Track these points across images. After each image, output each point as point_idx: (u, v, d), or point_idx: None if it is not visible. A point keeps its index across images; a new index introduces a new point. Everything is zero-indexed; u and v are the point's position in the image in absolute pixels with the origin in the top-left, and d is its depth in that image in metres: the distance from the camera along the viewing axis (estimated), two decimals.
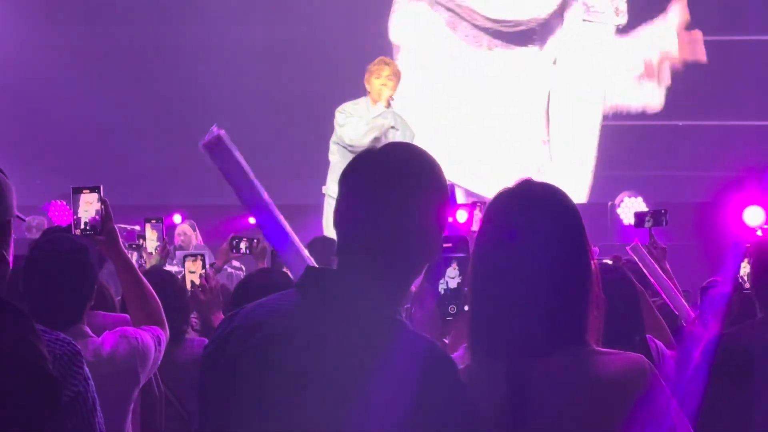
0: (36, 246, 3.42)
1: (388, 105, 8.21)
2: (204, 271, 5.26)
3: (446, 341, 2.60)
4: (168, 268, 9.63)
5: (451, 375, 2.00)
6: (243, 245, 6.22)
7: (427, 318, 2.39)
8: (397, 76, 8.21)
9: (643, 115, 12.02)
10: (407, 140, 7.94)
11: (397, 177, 2.06)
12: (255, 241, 6.24)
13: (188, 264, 5.31)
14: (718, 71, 11.89)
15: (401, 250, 2.05)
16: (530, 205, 2.23)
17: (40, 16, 12.41)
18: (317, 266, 2.14)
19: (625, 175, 11.82)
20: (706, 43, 11.85)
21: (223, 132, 2.46)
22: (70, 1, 12.43)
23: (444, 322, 2.44)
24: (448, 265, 2.43)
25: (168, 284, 4.34)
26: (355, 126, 8.19)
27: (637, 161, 11.98)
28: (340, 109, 8.32)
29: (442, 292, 2.43)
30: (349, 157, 8.03)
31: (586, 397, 2.11)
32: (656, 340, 3.68)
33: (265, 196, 2.49)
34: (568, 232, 2.21)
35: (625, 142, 12.05)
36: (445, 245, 2.38)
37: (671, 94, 11.88)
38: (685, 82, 11.85)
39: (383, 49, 11.21)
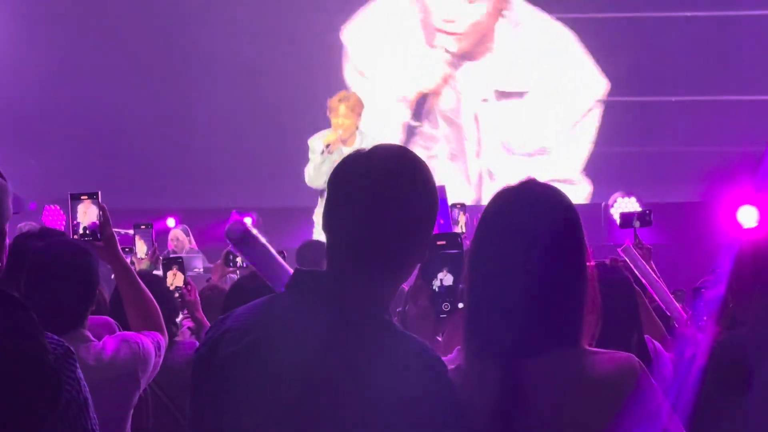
0: (38, 249, 3.42)
1: (344, 141, 8.27)
2: (184, 276, 5.35)
3: (439, 339, 2.62)
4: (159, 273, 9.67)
5: (441, 375, 2.02)
6: (239, 260, 6.27)
7: (421, 316, 2.40)
8: (355, 109, 8.27)
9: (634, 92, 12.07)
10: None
11: (386, 179, 2.08)
12: None
13: (169, 276, 5.38)
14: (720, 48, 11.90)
15: (390, 252, 2.07)
16: (528, 204, 2.23)
17: (38, 18, 12.38)
18: (306, 269, 2.16)
19: (618, 174, 11.86)
20: (703, 19, 11.87)
21: (247, 223, 2.49)
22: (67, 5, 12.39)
23: (438, 320, 2.45)
24: (442, 263, 2.44)
25: (155, 287, 4.37)
26: (309, 168, 8.39)
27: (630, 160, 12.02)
28: (309, 141, 8.46)
29: (437, 289, 2.44)
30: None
31: (577, 397, 2.12)
32: (654, 341, 3.69)
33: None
34: (565, 232, 2.22)
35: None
36: (438, 242, 2.41)
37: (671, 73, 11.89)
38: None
39: None
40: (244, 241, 2.45)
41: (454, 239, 2.45)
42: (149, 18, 12.28)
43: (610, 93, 11.98)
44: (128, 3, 12.38)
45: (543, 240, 2.19)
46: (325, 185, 7.35)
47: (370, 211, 2.05)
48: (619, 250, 4.47)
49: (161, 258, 5.80)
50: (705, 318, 3.99)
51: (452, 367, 2.14)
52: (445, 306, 2.43)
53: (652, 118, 12.05)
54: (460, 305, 2.39)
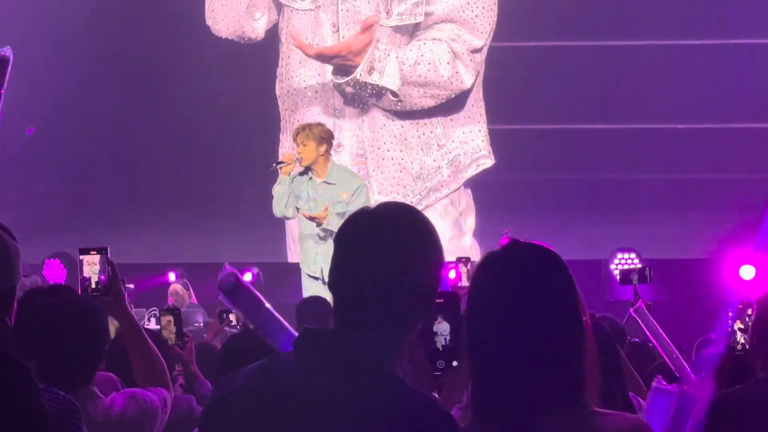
0: (47, 306, 3.44)
1: (311, 169, 8.34)
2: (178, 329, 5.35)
3: (435, 395, 2.65)
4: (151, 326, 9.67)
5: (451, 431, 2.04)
6: (232, 317, 6.27)
7: (417, 372, 2.43)
8: (312, 137, 8.23)
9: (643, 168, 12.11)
10: (356, 196, 8.21)
11: (393, 237, 2.11)
12: None
13: (163, 321, 5.37)
14: None
15: (397, 309, 2.09)
16: (519, 266, 2.27)
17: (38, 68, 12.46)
18: (313, 328, 2.17)
19: (618, 230, 11.88)
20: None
21: (238, 275, 2.50)
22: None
23: (433, 378, 2.48)
24: (435, 320, 2.47)
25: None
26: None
27: (632, 213, 12.05)
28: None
29: (439, 347, 2.47)
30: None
31: None
32: (638, 398, 3.70)
33: (287, 326, 2.54)
34: (558, 290, 2.26)
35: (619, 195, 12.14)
36: (437, 301, 2.41)
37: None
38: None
39: None
40: (235, 291, 2.45)
41: (452, 298, 2.48)
42: (158, 72, 12.34)
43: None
44: (140, 53, 12.45)
45: (536, 299, 2.23)
46: (283, 212, 7.18)
47: (376, 270, 2.08)
48: (630, 310, 4.49)
49: (158, 310, 5.82)
50: (702, 374, 4.00)
51: (462, 425, 2.16)
52: (440, 364, 2.46)
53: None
54: (455, 363, 2.42)
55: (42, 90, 12.21)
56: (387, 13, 10.78)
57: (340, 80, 10.49)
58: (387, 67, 10.49)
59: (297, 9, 11.04)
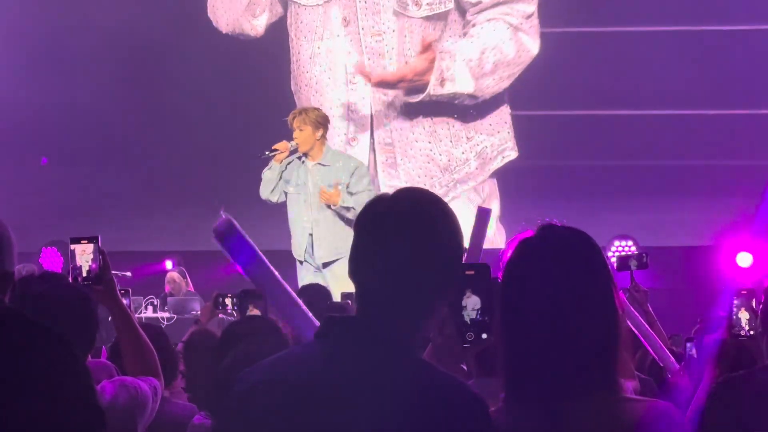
0: (37, 293, 3.42)
1: (306, 154, 8.44)
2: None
3: (464, 367, 2.66)
4: (161, 314, 9.69)
5: (483, 415, 2.04)
6: (228, 302, 6.24)
7: (446, 345, 2.43)
8: (308, 122, 8.31)
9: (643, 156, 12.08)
10: (355, 176, 8.34)
11: (412, 222, 2.11)
12: None
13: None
14: None
15: (419, 295, 2.09)
16: (556, 248, 2.28)
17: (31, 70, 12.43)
18: (337, 316, 2.16)
19: (615, 217, 11.87)
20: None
21: (230, 217, 2.48)
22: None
23: (462, 350, 2.47)
24: (464, 294, 2.46)
25: (157, 339, 4.38)
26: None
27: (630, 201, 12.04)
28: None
29: (467, 321, 2.46)
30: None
31: None
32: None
33: (278, 277, 2.51)
34: (594, 273, 2.26)
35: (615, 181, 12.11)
36: (467, 272, 2.43)
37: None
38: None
39: None
40: (227, 234, 2.43)
41: (484, 270, 2.47)
42: (166, 64, 12.29)
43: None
44: (153, 47, 12.40)
45: (572, 281, 2.24)
46: (269, 196, 7.35)
47: (397, 254, 2.08)
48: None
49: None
50: (688, 363, 3.99)
51: (493, 408, 2.16)
52: (469, 336, 2.45)
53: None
54: (484, 336, 2.43)
55: (52, 84, 12.19)
56: (416, 4, 10.77)
57: (414, 99, 10.53)
58: (457, 74, 10.57)
59: (305, 5, 11.03)
